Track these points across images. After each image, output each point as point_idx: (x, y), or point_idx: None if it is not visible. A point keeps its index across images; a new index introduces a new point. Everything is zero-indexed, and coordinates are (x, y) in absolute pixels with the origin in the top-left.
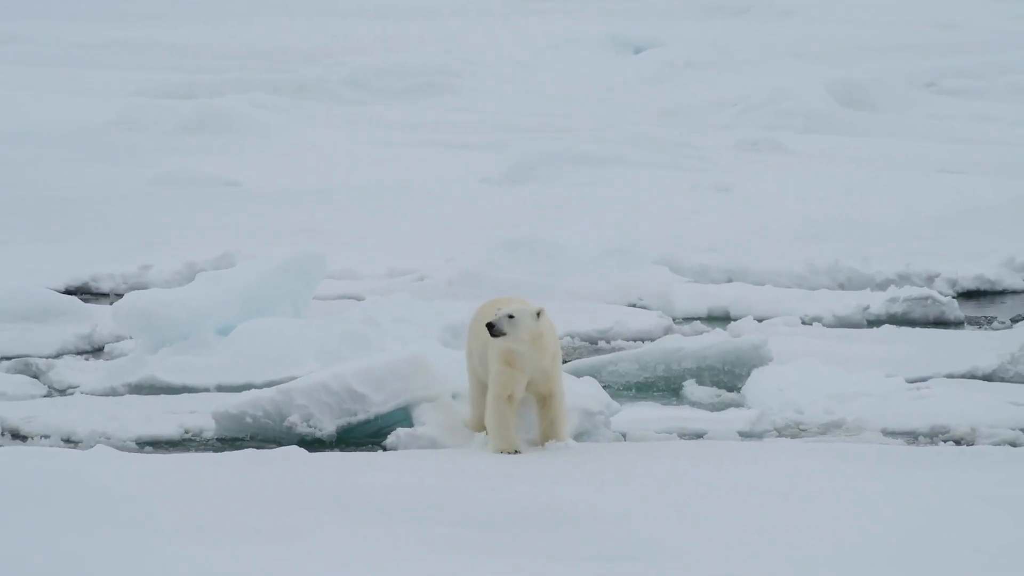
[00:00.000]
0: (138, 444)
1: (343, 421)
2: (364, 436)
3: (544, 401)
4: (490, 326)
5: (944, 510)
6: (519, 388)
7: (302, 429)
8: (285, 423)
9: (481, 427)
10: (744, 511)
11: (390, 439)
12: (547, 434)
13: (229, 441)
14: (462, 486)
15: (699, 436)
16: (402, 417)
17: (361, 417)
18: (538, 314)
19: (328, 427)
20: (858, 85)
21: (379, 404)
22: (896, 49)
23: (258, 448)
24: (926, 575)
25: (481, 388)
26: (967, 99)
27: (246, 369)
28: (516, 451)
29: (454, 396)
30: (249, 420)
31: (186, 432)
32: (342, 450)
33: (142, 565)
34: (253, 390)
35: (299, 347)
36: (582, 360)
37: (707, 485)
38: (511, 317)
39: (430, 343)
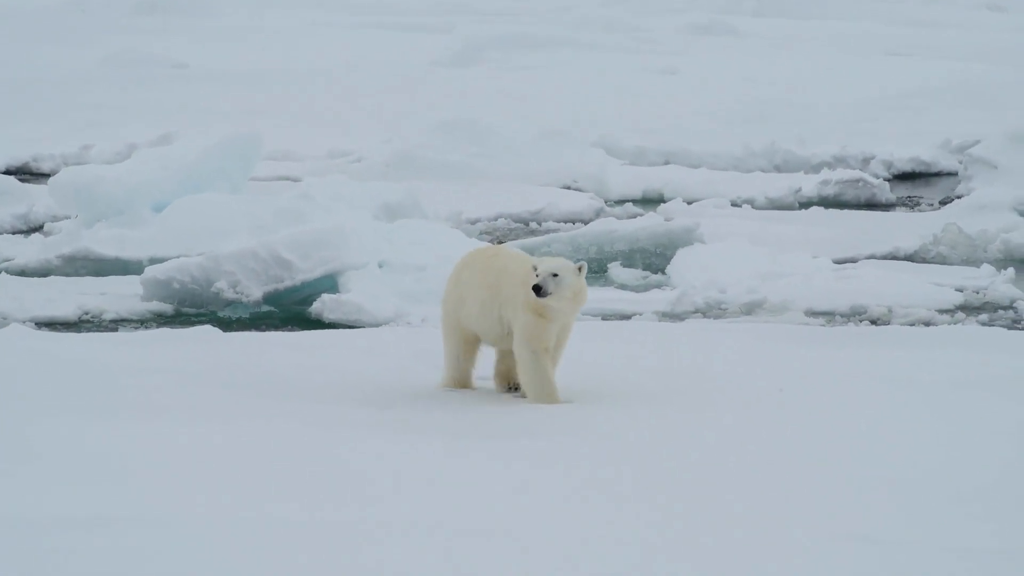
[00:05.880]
0: (36, 324)
1: (270, 287)
2: (291, 302)
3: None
4: (537, 289)
5: (851, 389)
6: (552, 339)
7: (229, 295)
8: (212, 289)
9: (460, 384)
10: (645, 391)
11: (316, 305)
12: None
13: (130, 320)
14: (374, 368)
15: (625, 317)
16: (329, 284)
17: (288, 283)
18: (580, 269)
19: (255, 293)
20: None
21: (306, 271)
22: None
23: (175, 320)
24: (819, 450)
25: (464, 342)
26: None
27: (179, 242)
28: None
29: (380, 265)
30: (176, 286)
31: (85, 313)
32: (267, 315)
33: (63, 441)
34: (181, 257)
35: (233, 221)
36: (516, 241)
37: (615, 366)
38: (555, 276)
39: (360, 215)
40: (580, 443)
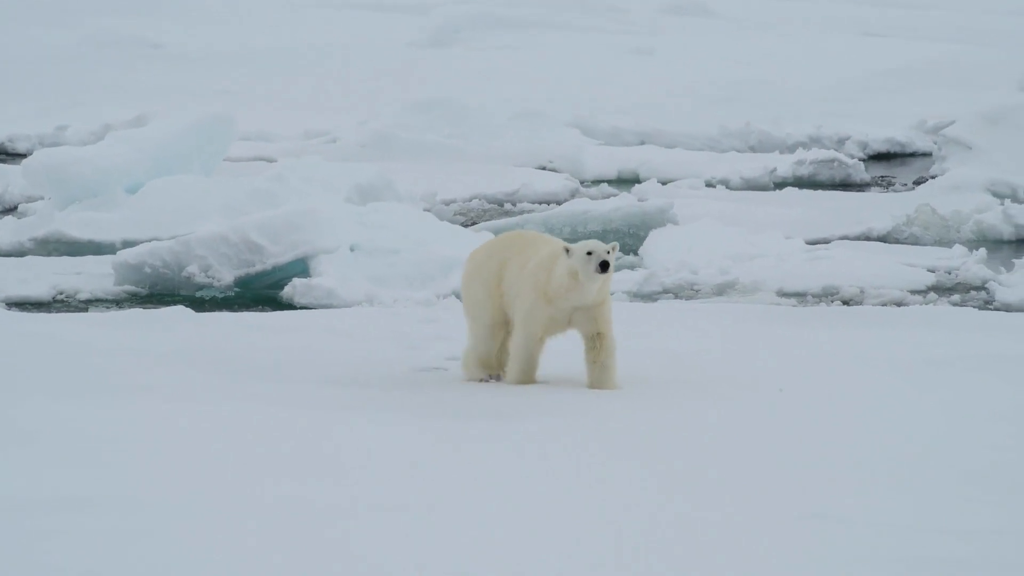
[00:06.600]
0: (7, 304)
1: (241, 271)
2: (262, 286)
3: (593, 342)
4: (606, 265)
5: (834, 370)
6: (554, 328)
7: (200, 279)
8: (184, 273)
9: (488, 368)
10: (625, 372)
11: (287, 289)
12: (599, 381)
13: (103, 301)
14: (349, 349)
15: None
16: (300, 268)
17: (259, 268)
18: (613, 249)
19: (226, 277)
20: None
21: (277, 255)
22: None
23: (147, 303)
24: (810, 431)
25: (498, 325)
26: None
27: (152, 225)
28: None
29: (352, 249)
30: (148, 270)
31: (59, 294)
32: (239, 298)
33: (47, 423)
34: (153, 241)
35: (205, 204)
36: (490, 222)
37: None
38: (608, 253)
39: (332, 197)
40: (561, 424)
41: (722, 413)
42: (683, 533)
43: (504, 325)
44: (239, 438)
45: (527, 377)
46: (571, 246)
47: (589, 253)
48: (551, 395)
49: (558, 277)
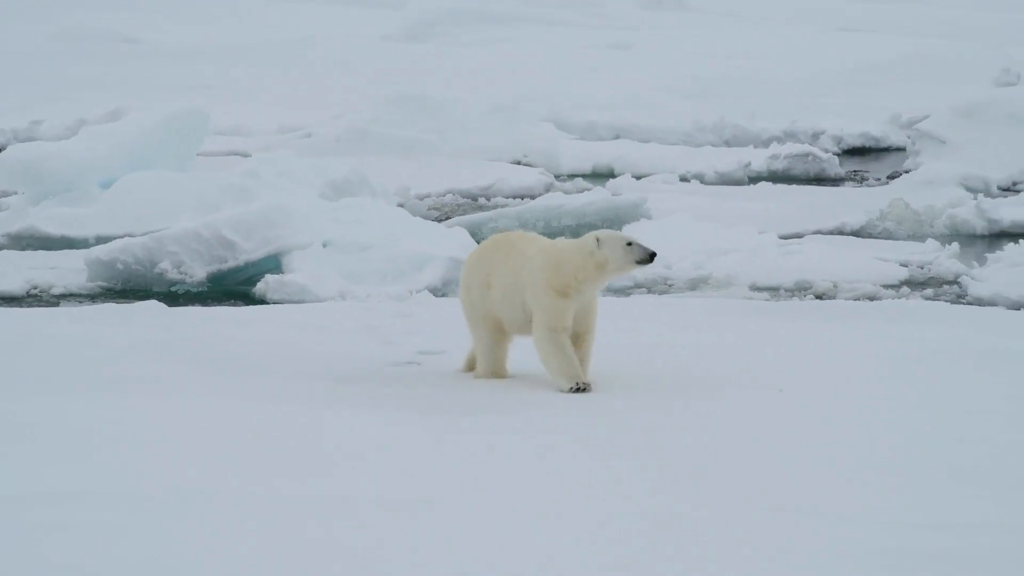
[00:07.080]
0: None
1: (214, 268)
2: (234, 283)
3: (577, 339)
4: (654, 256)
5: (803, 362)
6: (571, 321)
7: (173, 276)
8: (156, 270)
9: (496, 375)
10: (615, 368)
11: (259, 286)
12: None
13: (77, 296)
14: (326, 343)
15: None
16: (273, 264)
17: (231, 264)
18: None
19: (199, 274)
20: None
21: (249, 251)
22: None
23: (119, 299)
24: (797, 425)
25: (494, 331)
26: None
27: (125, 220)
28: (586, 385)
29: (324, 244)
30: (120, 267)
31: (33, 288)
32: (211, 294)
33: (29, 417)
34: (126, 237)
35: (178, 199)
36: (464, 216)
37: None
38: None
39: (306, 193)
40: (556, 421)
41: (716, 411)
42: (681, 531)
43: (502, 330)
44: (232, 434)
45: (573, 374)
46: (601, 235)
47: (629, 244)
48: (545, 392)
49: (579, 268)
